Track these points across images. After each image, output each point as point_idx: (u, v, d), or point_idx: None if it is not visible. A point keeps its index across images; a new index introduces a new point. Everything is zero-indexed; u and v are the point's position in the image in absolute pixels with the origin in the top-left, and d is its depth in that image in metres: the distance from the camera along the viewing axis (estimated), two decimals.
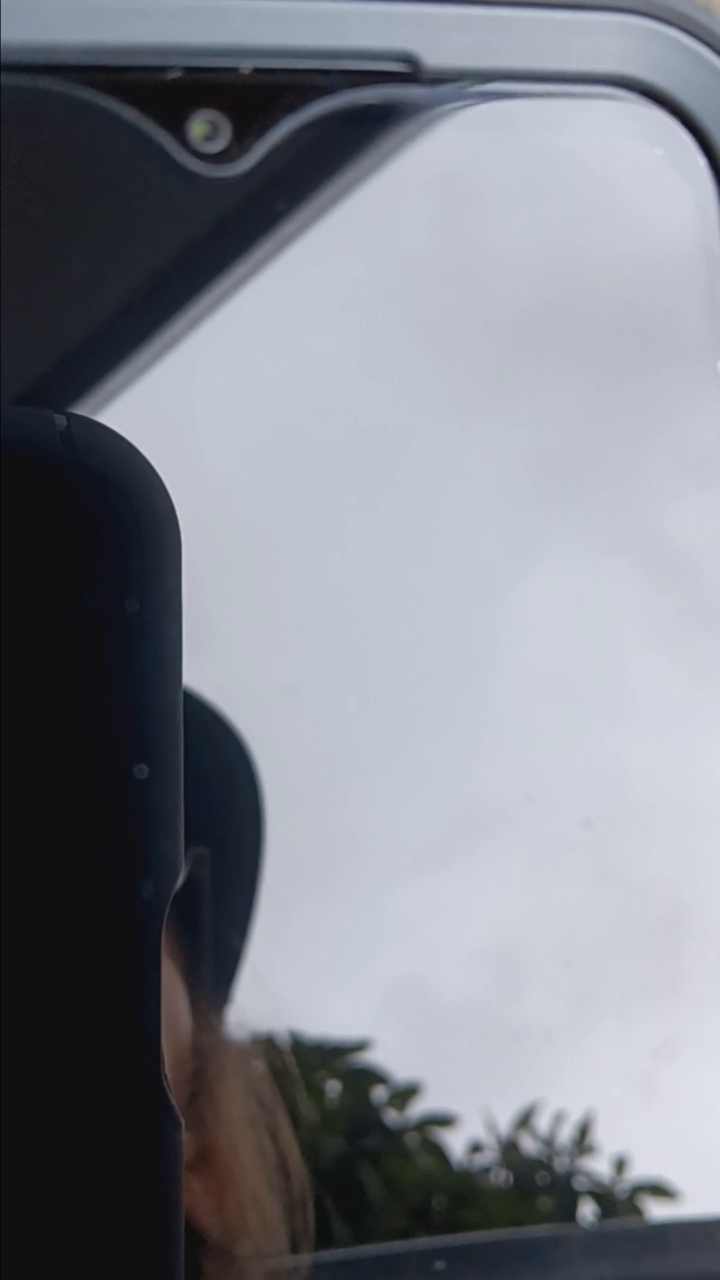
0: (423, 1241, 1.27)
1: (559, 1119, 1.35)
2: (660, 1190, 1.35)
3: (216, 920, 0.63)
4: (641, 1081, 1.24)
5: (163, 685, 0.38)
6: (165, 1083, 0.39)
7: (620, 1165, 1.38)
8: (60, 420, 0.38)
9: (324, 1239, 1.29)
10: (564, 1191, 1.37)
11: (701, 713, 1.09)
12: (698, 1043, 1.18)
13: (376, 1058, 1.32)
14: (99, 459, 0.38)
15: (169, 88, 0.37)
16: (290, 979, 1.11)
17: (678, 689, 1.12)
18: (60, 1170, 0.37)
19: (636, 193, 0.71)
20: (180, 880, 0.40)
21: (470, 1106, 1.29)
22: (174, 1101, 0.39)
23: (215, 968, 0.62)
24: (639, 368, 0.96)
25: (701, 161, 0.38)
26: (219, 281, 0.69)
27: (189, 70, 0.37)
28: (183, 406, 0.84)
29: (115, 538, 0.37)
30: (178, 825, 0.38)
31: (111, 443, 0.38)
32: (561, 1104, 1.29)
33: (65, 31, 0.35)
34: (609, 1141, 1.31)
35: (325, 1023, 1.24)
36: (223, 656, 0.93)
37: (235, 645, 0.97)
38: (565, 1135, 1.37)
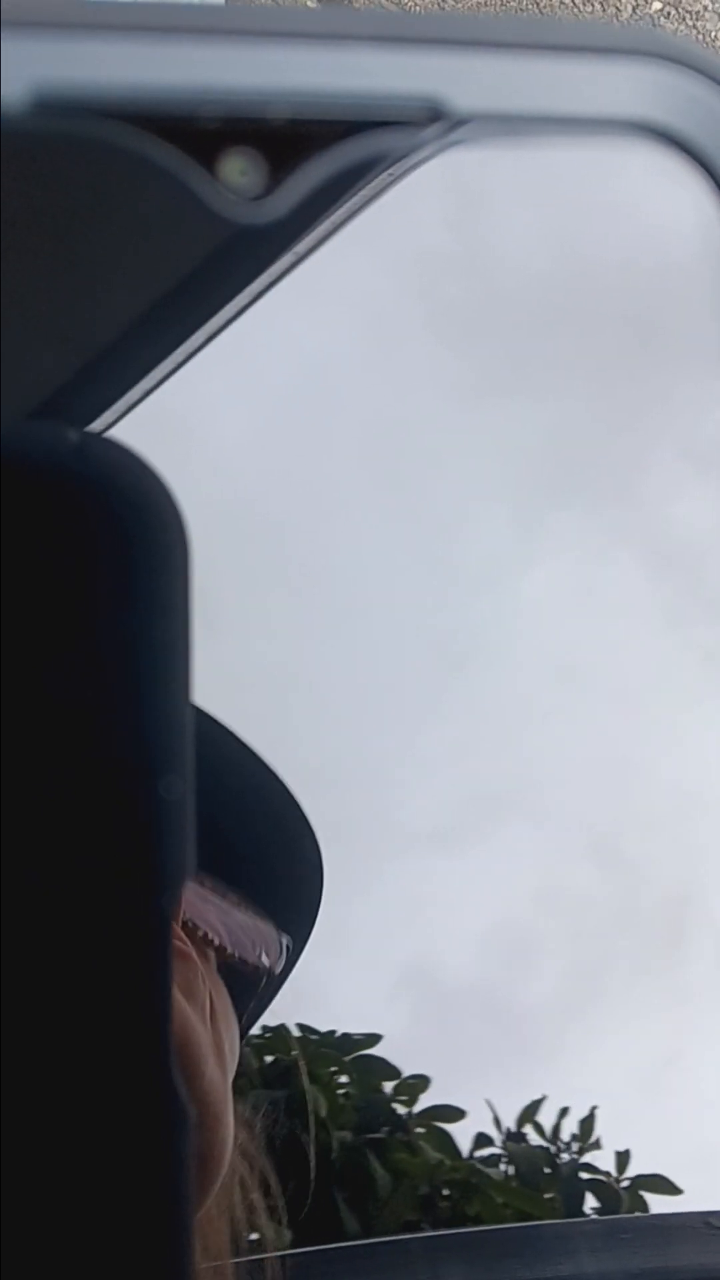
0: (429, 1233, 1.28)
1: (563, 1112, 1.36)
2: (662, 1184, 1.36)
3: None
4: (645, 1075, 1.24)
5: (171, 697, 0.38)
6: (176, 1080, 0.39)
7: (623, 1159, 1.39)
8: (74, 436, 0.39)
9: (333, 1230, 1.30)
10: (568, 1184, 1.38)
11: (705, 699, 1.09)
12: (702, 1038, 1.19)
13: (385, 1049, 1.33)
14: (111, 474, 0.38)
15: (204, 128, 0.38)
16: (299, 967, 1.12)
17: (682, 675, 1.12)
18: (70, 1167, 0.37)
19: (651, 225, 0.72)
20: (184, 888, 0.40)
21: (477, 1099, 1.29)
22: (184, 1098, 0.39)
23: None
24: (653, 361, 0.97)
25: (714, 204, 0.39)
26: (233, 298, 0.70)
27: (225, 110, 0.38)
28: (196, 416, 0.85)
29: (125, 551, 0.38)
30: (186, 833, 0.38)
31: (123, 459, 0.39)
32: (566, 1097, 1.30)
33: (105, 72, 0.37)
34: (612, 1136, 1.32)
35: (334, 1011, 1.25)
36: (233, 643, 0.94)
37: (245, 634, 0.98)
38: (569, 1129, 1.38)
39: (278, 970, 0.62)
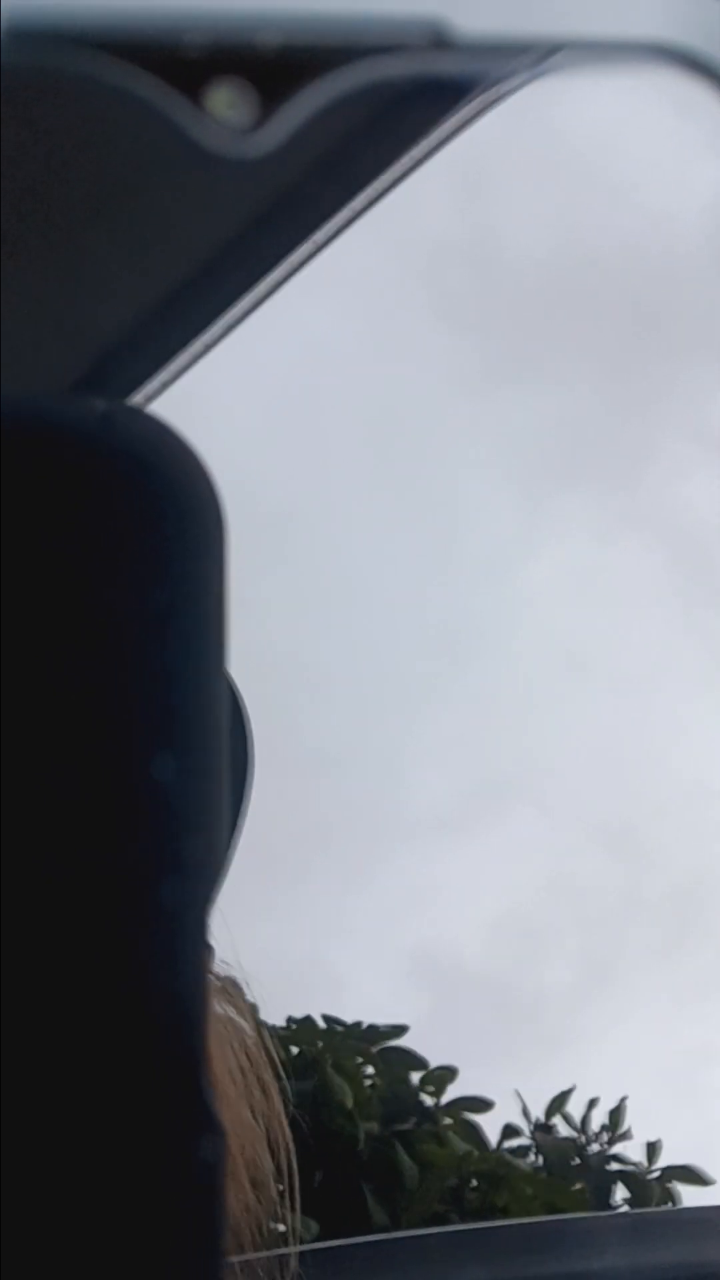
0: (457, 1227, 1.26)
1: (593, 1103, 1.34)
2: (692, 1176, 1.34)
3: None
4: (673, 1063, 1.23)
5: (201, 679, 0.36)
6: (208, 1088, 0.37)
7: (653, 1150, 1.37)
8: (100, 405, 0.37)
9: (361, 1221, 1.29)
10: (597, 1175, 1.36)
11: (714, 684, 1.07)
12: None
13: (412, 1039, 1.31)
14: (140, 446, 0.36)
15: (189, 57, 0.35)
16: (317, 954, 1.10)
17: (690, 661, 1.10)
18: (96, 1172, 0.36)
19: (667, 165, 0.69)
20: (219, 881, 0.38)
21: (505, 1089, 1.28)
22: (215, 1107, 0.37)
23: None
24: (661, 346, 0.95)
25: None
26: (249, 264, 0.67)
27: (211, 39, 0.35)
28: (200, 400, 0.83)
29: (153, 524, 0.36)
30: (215, 824, 0.36)
31: (154, 431, 0.37)
32: (595, 1087, 1.28)
33: None
34: (642, 1126, 1.30)
35: (352, 999, 1.23)
36: (239, 629, 0.92)
37: (252, 620, 0.95)
38: (598, 1120, 1.36)
39: None
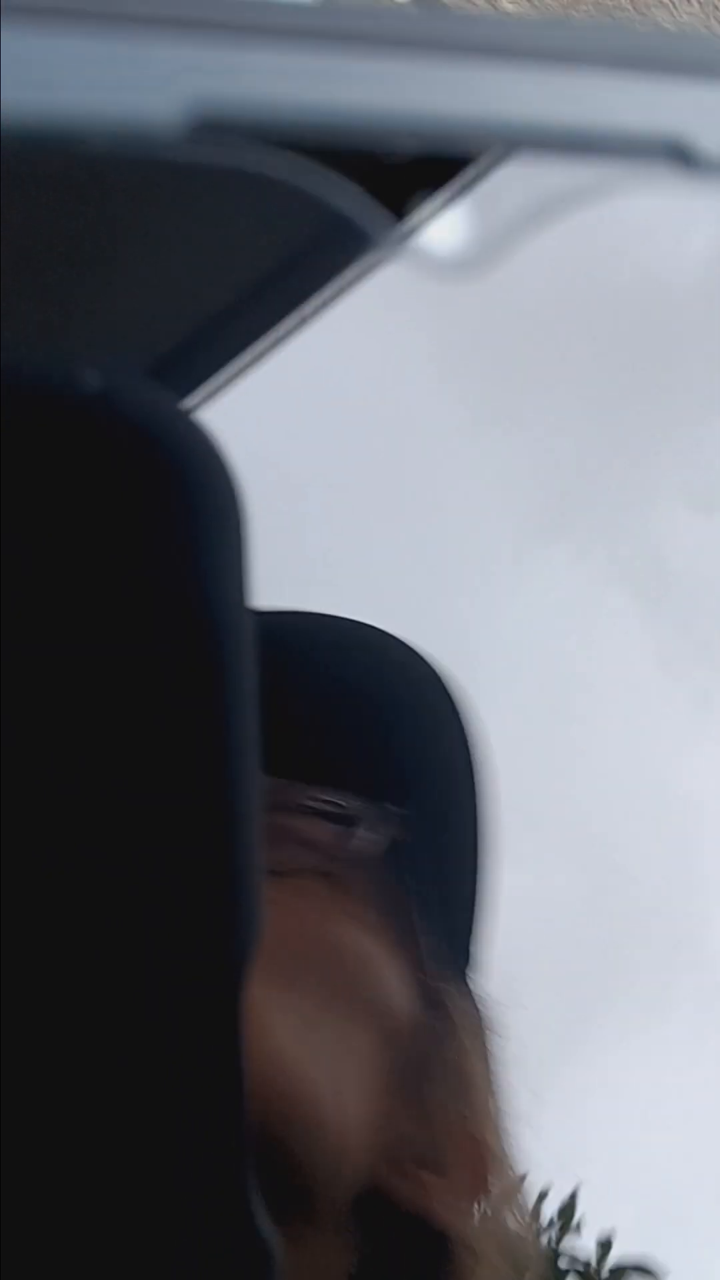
0: None
1: (543, 1195, 1.32)
2: (645, 1271, 1.33)
3: (435, 878, 0.59)
4: (627, 1151, 1.21)
5: (219, 659, 0.34)
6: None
7: (605, 1245, 1.36)
8: (93, 380, 0.34)
9: None
10: (546, 1269, 1.34)
11: (700, 742, 1.07)
12: (689, 1103, 1.15)
13: None
14: (139, 420, 0.33)
15: (394, 164, 0.31)
16: None
17: (672, 712, 1.09)
18: (136, 1147, 0.35)
19: (668, 210, 0.67)
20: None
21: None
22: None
23: (441, 928, 0.58)
24: (648, 399, 0.95)
25: None
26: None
27: (421, 144, 0.30)
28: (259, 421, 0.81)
29: (159, 496, 0.33)
30: (247, 823, 0.34)
31: (149, 397, 0.35)
32: (546, 1177, 1.26)
33: (280, 89, 0.29)
34: (594, 1218, 1.29)
35: None
36: None
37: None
38: (549, 1211, 1.34)
39: (377, 842, 0.57)
